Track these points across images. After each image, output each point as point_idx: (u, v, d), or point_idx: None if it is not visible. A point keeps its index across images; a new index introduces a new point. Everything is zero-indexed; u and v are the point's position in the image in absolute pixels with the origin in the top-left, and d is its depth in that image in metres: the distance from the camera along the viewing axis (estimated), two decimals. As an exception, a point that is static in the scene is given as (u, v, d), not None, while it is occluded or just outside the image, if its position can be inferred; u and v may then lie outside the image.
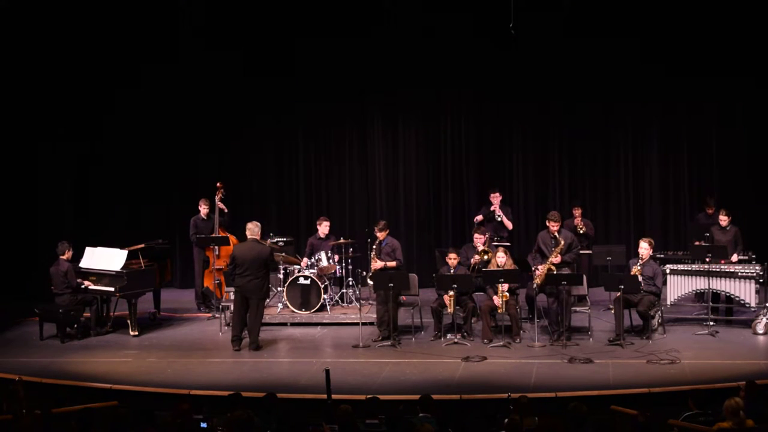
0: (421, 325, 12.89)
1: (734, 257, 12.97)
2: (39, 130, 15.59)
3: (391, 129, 16.06)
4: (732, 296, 12.66)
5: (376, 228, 12.82)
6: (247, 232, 12.20)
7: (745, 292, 12.38)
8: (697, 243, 13.33)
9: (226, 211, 14.16)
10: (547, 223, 12.20)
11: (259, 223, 12.31)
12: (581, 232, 14.00)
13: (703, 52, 14.91)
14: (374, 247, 12.72)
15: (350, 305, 13.71)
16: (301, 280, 13.32)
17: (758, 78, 14.81)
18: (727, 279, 12.49)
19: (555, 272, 11.94)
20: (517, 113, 15.78)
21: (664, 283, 12.56)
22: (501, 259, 12.40)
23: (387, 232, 12.77)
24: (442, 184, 16.01)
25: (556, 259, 12.00)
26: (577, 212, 14.28)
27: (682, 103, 15.42)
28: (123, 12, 15.08)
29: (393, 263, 12.62)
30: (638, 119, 15.62)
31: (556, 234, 12.08)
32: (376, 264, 12.59)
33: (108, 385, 10.46)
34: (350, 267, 13.91)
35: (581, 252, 13.61)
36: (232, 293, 12.30)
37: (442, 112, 15.95)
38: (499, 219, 14.15)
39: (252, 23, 15.36)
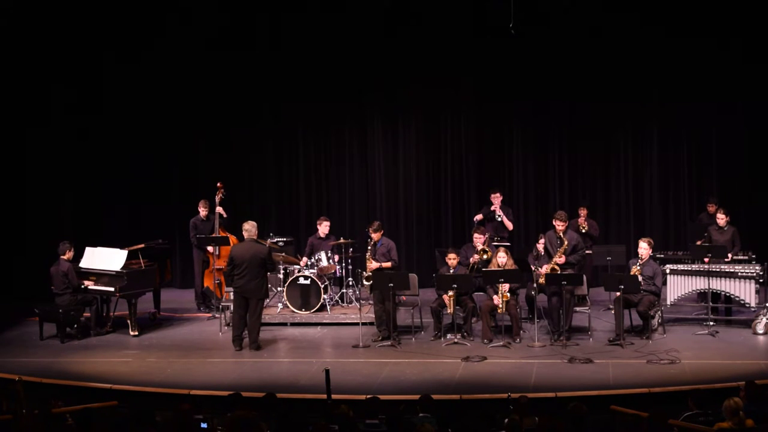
0: (421, 325, 12.89)
1: (729, 256, 12.95)
2: (39, 129, 15.59)
3: (391, 129, 16.06)
4: (732, 296, 12.65)
5: (370, 229, 12.81)
6: (244, 233, 12.20)
7: (745, 292, 12.37)
8: (698, 243, 13.31)
9: (225, 216, 14.15)
10: (554, 223, 12.19)
11: (255, 223, 12.30)
12: (583, 231, 14.01)
13: (704, 51, 14.91)
14: (369, 248, 12.72)
15: (350, 305, 13.70)
16: (301, 280, 13.31)
17: (759, 78, 14.80)
18: (727, 279, 12.49)
19: (558, 272, 11.93)
20: (517, 113, 15.79)
21: (664, 283, 12.56)
22: (502, 259, 12.40)
23: (382, 232, 12.76)
24: (442, 184, 16.02)
25: (560, 259, 12.00)
26: (583, 212, 14.28)
27: (682, 103, 15.41)
28: (122, 11, 15.09)
29: (388, 264, 12.61)
30: (638, 119, 15.62)
31: (561, 234, 12.07)
32: (372, 265, 12.59)
33: (108, 385, 10.46)
34: (350, 267, 13.90)
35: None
36: (231, 293, 12.30)
37: (442, 112, 15.96)
38: (500, 219, 14.16)
39: (251, 23, 15.36)
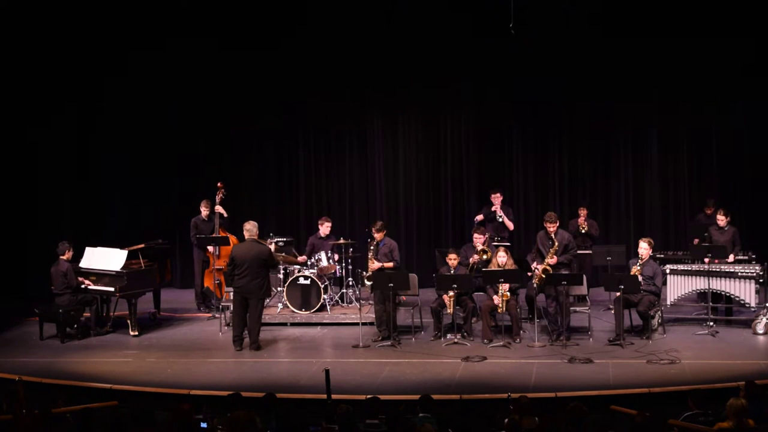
0: (421, 325, 12.89)
1: (731, 257, 12.96)
2: (39, 129, 15.61)
3: (391, 129, 16.07)
4: (732, 296, 12.65)
5: (373, 228, 12.81)
6: (245, 233, 12.19)
7: (745, 292, 12.37)
8: (696, 242, 13.33)
9: (225, 215, 14.15)
10: (544, 225, 12.20)
11: (256, 223, 12.30)
12: (583, 231, 14.01)
13: (704, 51, 14.91)
14: (371, 247, 12.72)
15: (350, 305, 13.70)
16: (301, 280, 13.31)
17: (759, 77, 14.80)
18: (727, 279, 12.48)
19: (551, 272, 11.94)
20: (517, 113, 15.79)
21: (664, 283, 12.57)
22: (502, 258, 12.40)
23: (384, 232, 12.76)
24: (442, 183, 16.02)
25: (551, 260, 12.01)
26: (583, 212, 14.28)
27: (682, 103, 15.42)
28: (120, 11, 15.09)
29: (390, 264, 12.61)
30: (638, 119, 15.63)
31: (553, 235, 12.08)
32: (373, 265, 12.59)
33: (108, 385, 10.45)
34: (350, 267, 13.90)
35: (584, 252, 13.64)
36: (231, 293, 12.30)
37: (442, 112, 15.97)
38: (500, 219, 14.15)
39: (251, 22, 15.36)
